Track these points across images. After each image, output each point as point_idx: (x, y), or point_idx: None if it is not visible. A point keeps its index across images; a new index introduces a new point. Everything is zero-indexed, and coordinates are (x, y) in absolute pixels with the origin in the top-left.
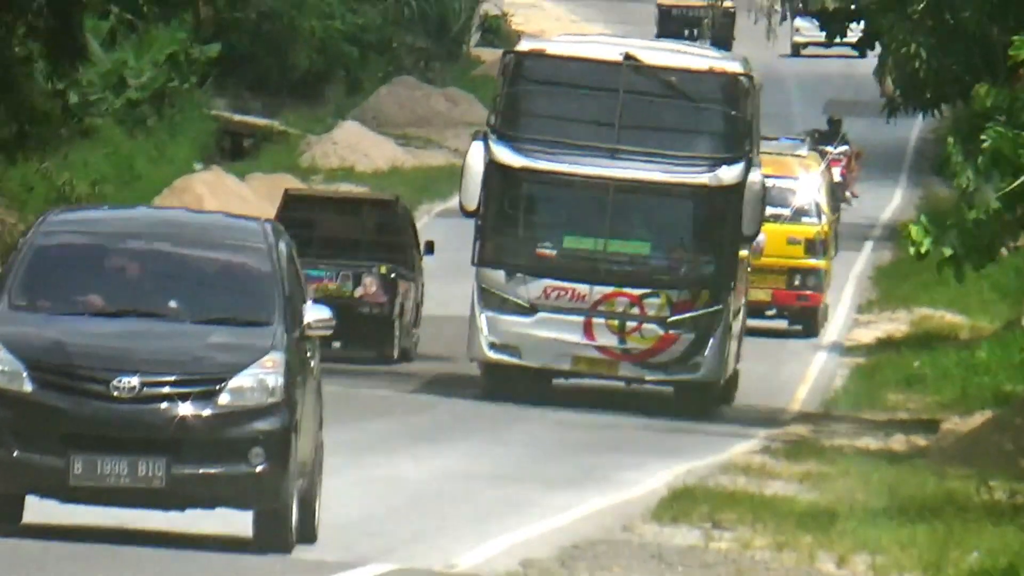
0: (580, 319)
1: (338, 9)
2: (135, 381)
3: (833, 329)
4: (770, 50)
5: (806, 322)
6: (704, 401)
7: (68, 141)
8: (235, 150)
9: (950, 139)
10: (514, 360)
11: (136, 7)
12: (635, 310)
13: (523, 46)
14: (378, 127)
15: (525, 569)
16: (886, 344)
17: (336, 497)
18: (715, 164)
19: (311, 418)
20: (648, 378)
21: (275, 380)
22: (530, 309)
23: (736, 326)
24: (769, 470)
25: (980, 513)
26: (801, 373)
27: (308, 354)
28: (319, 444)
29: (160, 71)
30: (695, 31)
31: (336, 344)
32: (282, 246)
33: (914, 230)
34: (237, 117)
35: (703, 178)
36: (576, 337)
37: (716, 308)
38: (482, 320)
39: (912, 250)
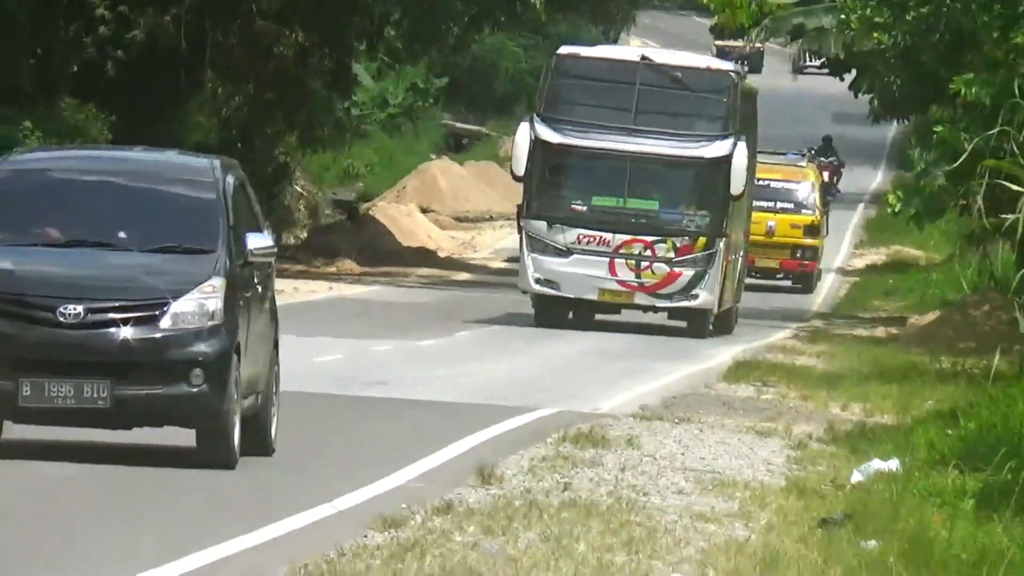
0: (605, 260)
1: (523, 55)
2: (80, 308)
3: (838, 259)
4: (786, 76)
5: (805, 283)
6: (703, 323)
7: (351, 140)
8: (457, 146)
9: (912, 139)
10: (553, 291)
11: (395, 54)
12: (648, 252)
13: (562, 50)
14: None
15: (643, 411)
16: (872, 269)
17: (514, 365)
18: (709, 140)
19: (261, 340)
20: (658, 305)
21: (215, 304)
22: (566, 252)
23: (734, 269)
24: (798, 349)
25: (932, 377)
26: (818, 287)
27: (256, 280)
28: (273, 364)
29: (409, 94)
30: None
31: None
32: (229, 179)
33: (891, 197)
34: (459, 125)
35: (700, 151)
36: (602, 273)
37: (711, 251)
38: (529, 260)
39: (890, 209)
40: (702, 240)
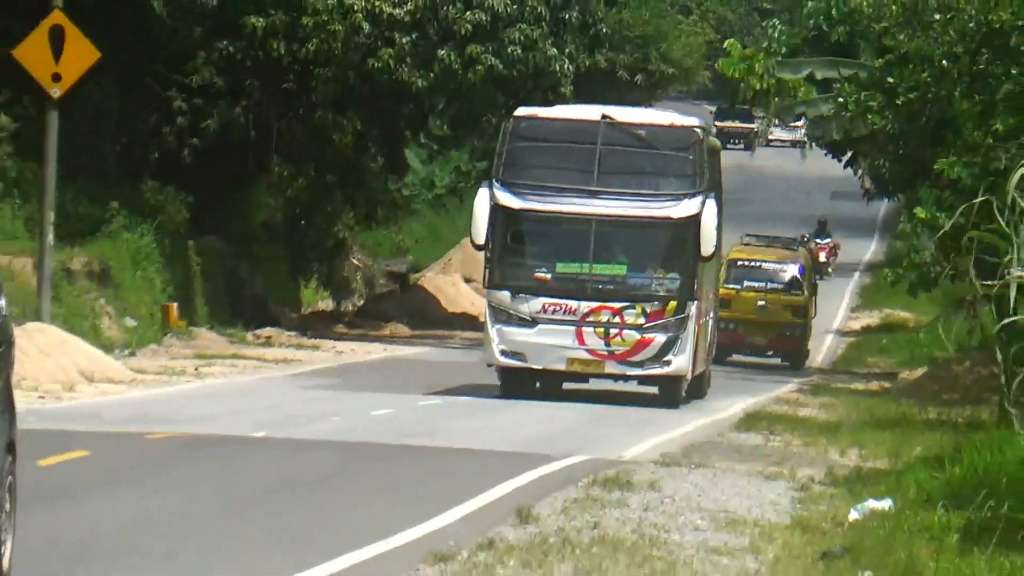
0: (572, 328)
1: None
2: None
3: (836, 321)
4: (799, 161)
5: (793, 360)
6: (676, 390)
7: (402, 217)
8: None
9: (902, 215)
10: (521, 363)
11: (441, 141)
12: (616, 319)
13: (519, 112)
14: None
15: (663, 457)
16: (866, 330)
17: (537, 419)
18: (676, 199)
19: None
20: (630, 373)
21: None
22: (531, 322)
23: (705, 332)
24: (801, 401)
25: (921, 426)
26: (819, 347)
27: None
28: (5, 474)
29: (453, 176)
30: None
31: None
32: None
33: (887, 272)
34: None
35: (667, 211)
36: (570, 342)
37: (682, 315)
38: (493, 332)
39: (887, 281)
40: (673, 304)
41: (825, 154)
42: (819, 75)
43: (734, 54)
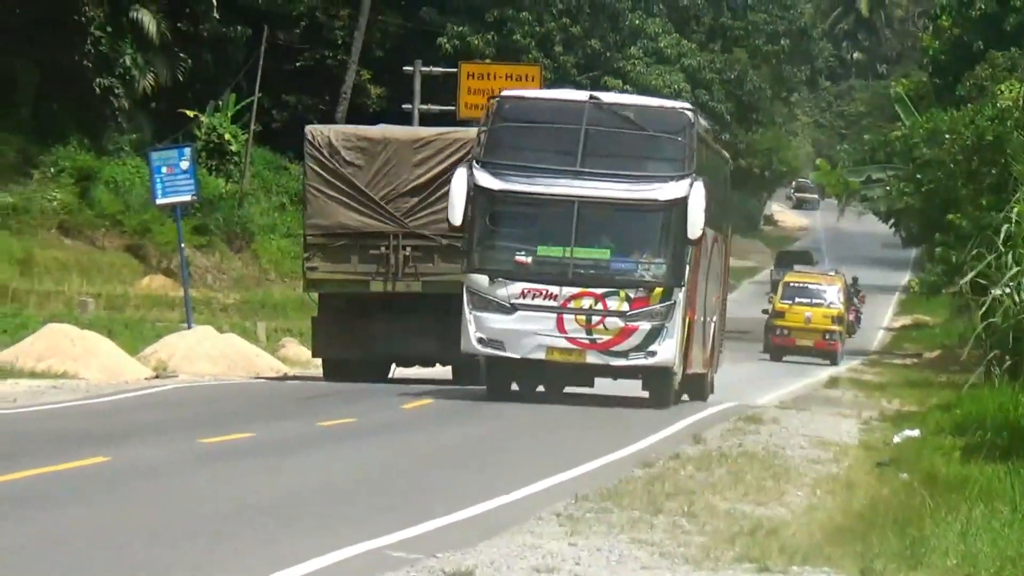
0: (553, 315)
1: None
2: None
3: (885, 320)
4: (841, 220)
5: (831, 358)
6: (664, 385)
7: None
8: None
9: (925, 255)
10: (499, 352)
11: None
12: (599, 306)
13: (505, 93)
14: None
15: (780, 404)
16: (903, 327)
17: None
18: (663, 181)
19: None
20: (612, 363)
21: None
22: (510, 308)
23: (703, 332)
24: (863, 371)
25: (937, 386)
26: (873, 338)
27: None
28: None
29: None
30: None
31: None
32: None
33: (913, 283)
34: None
35: (653, 193)
36: (550, 330)
37: (669, 303)
38: (471, 318)
39: (915, 291)
40: (658, 291)
41: (878, 220)
42: (874, 176)
43: (822, 167)
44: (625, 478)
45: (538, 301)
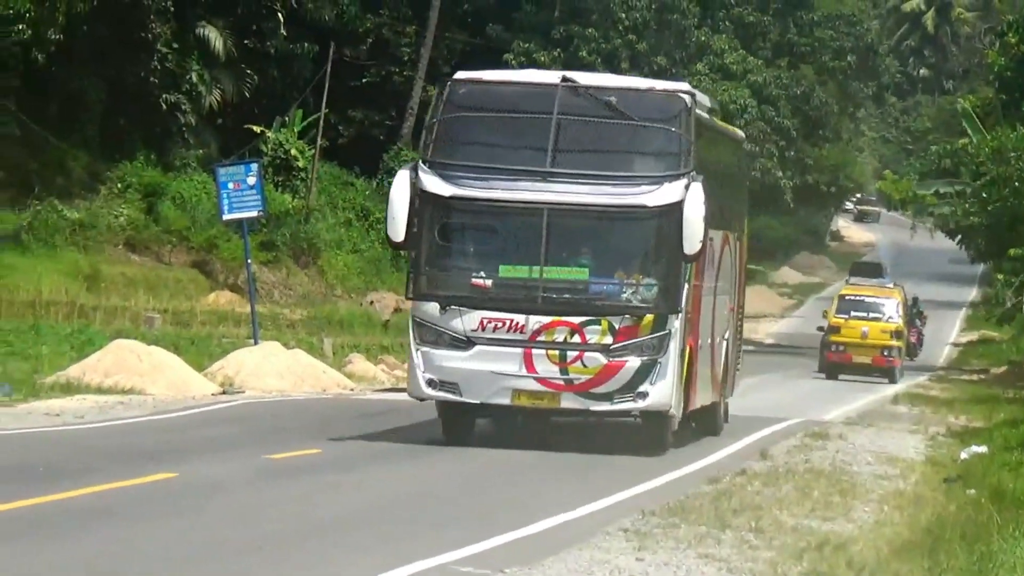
0: (519, 351)
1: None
2: None
3: (952, 336)
4: (912, 238)
5: (890, 376)
6: (660, 428)
7: None
8: None
9: (993, 272)
10: (453, 397)
11: None
12: (576, 339)
13: (459, 75)
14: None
15: (847, 419)
16: (970, 343)
17: (779, 394)
18: (653, 183)
19: None
20: (593, 409)
21: None
22: (466, 342)
23: (710, 358)
24: (930, 386)
25: (1003, 401)
26: (939, 353)
27: None
28: None
29: None
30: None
31: None
32: None
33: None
34: None
35: (641, 198)
36: (515, 369)
37: (662, 333)
38: (418, 357)
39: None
40: (649, 319)
41: (945, 236)
42: (941, 190)
43: (888, 178)
44: (692, 494)
45: (500, 334)
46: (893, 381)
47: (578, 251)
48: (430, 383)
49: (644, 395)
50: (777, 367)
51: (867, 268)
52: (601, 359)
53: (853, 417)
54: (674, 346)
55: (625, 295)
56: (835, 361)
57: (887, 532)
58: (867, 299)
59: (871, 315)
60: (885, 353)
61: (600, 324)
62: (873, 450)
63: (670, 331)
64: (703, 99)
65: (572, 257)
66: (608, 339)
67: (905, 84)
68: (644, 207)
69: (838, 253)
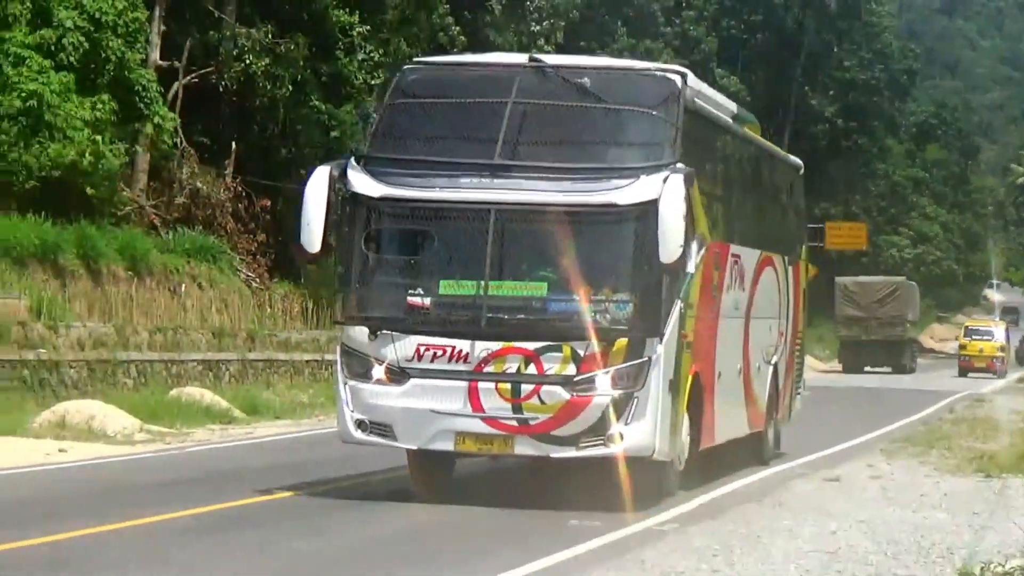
0: (462, 384)
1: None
2: None
3: None
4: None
5: (1000, 375)
6: (655, 475)
7: None
8: None
9: None
10: (385, 441)
11: None
12: (531, 370)
13: (413, 62)
14: None
15: (991, 390)
16: None
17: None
18: (626, 177)
19: None
20: (554, 456)
21: None
22: (401, 375)
23: (751, 380)
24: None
25: None
26: None
27: None
28: None
29: None
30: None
31: None
32: None
33: None
34: None
35: (611, 195)
36: (458, 407)
37: (638, 361)
38: (346, 392)
39: None
40: (622, 343)
41: None
42: None
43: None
44: (913, 431)
45: (440, 364)
46: (1001, 377)
47: (533, 262)
48: (359, 425)
49: (617, 438)
50: (951, 367)
51: (1010, 311)
52: (562, 394)
53: (996, 391)
54: (657, 377)
55: (591, 315)
56: (964, 366)
57: (1018, 448)
58: (982, 328)
59: (985, 337)
60: (994, 360)
61: (561, 351)
62: (1010, 408)
63: (650, 358)
64: (708, 91)
65: (526, 269)
66: (570, 369)
67: None
68: (614, 206)
69: (990, 304)
